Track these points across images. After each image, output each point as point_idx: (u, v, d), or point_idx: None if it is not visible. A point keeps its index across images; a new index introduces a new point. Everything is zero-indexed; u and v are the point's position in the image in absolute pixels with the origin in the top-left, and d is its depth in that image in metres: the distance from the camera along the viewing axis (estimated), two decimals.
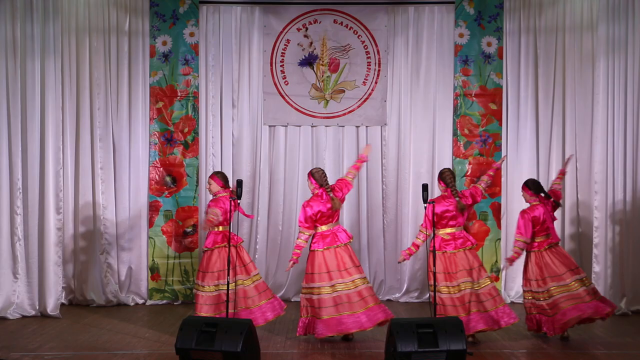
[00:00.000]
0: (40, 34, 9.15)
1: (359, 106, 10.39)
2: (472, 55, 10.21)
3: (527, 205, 8.30)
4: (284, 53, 10.37)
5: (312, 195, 8.15)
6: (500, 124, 10.24)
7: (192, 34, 10.20)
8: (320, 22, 10.39)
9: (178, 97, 10.21)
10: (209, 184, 8.28)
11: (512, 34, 10.26)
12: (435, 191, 10.20)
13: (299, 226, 8.07)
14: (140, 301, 10.17)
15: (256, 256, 10.34)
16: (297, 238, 8.08)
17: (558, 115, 10.26)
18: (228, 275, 7.68)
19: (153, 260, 10.15)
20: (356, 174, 8.53)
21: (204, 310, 7.96)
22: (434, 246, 7.77)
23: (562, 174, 8.77)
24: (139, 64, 10.18)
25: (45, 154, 9.22)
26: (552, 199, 8.27)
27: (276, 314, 8.12)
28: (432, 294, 7.60)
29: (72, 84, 9.97)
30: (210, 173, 10.21)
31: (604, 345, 7.92)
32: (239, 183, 7.81)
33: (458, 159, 10.23)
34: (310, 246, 8.05)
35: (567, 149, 10.22)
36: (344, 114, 10.40)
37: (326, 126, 10.41)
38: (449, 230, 7.94)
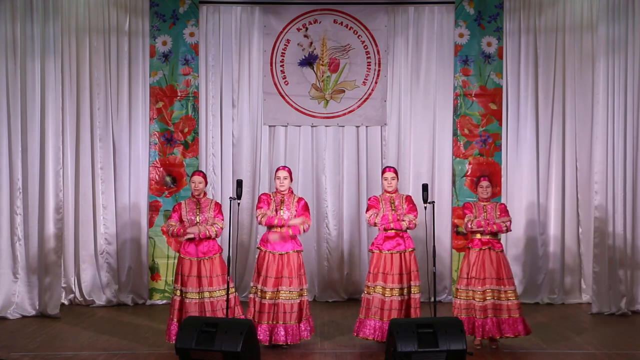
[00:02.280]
0: (40, 34, 9.15)
1: (359, 106, 10.39)
2: (472, 55, 10.21)
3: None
4: (284, 53, 10.37)
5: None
6: (500, 124, 10.24)
7: (192, 34, 10.20)
8: (320, 22, 10.38)
9: (178, 97, 10.21)
10: (202, 183, 7.88)
11: (512, 34, 10.26)
12: (436, 191, 10.25)
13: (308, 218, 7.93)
14: (140, 301, 10.16)
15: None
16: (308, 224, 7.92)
17: (558, 115, 10.25)
18: (228, 275, 7.68)
19: (153, 260, 10.15)
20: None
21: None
22: (433, 246, 7.75)
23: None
24: (139, 64, 10.18)
25: (45, 154, 9.23)
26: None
27: None
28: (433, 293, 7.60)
29: (72, 84, 9.97)
30: (210, 173, 10.24)
31: (604, 345, 7.92)
32: (239, 183, 7.78)
33: (458, 159, 10.23)
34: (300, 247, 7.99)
35: (567, 149, 10.23)
36: (344, 114, 10.40)
37: (326, 126, 10.41)
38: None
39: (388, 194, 7.98)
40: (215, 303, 7.63)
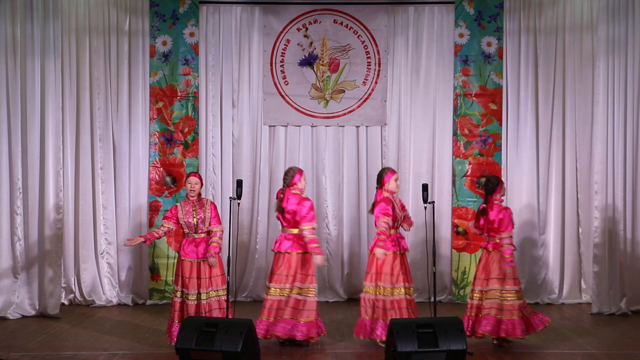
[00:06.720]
0: (40, 34, 9.15)
1: (359, 106, 10.39)
2: (472, 55, 10.21)
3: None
4: (284, 53, 10.37)
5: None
6: (500, 124, 10.24)
7: (192, 34, 10.20)
8: (320, 22, 10.39)
9: (178, 97, 10.21)
10: (198, 184, 7.82)
11: (512, 34, 10.26)
12: (436, 191, 10.26)
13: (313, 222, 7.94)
14: (140, 301, 10.16)
15: (256, 256, 10.35)
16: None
17: (558, 115, 10.26)
18: (228, 275, 7.69)
19: (153, 260, 10.15)
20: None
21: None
22: (433, 246, 7.75)
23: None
24: (139, 64, 10.19)
25: (45, 154, 9.23)
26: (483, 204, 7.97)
27: None
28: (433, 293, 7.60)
29: (72, 84, 9.97)
30: (210, 173, 10.24)
31: (604, 345, 7.92)
32: (239, 183, 7.79)
33: (458, 159, 10.23)
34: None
35: (567, 149, 10.22)
36: (344, 114, 10.40)
37: (326, 126, 10.41)
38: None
39: (393, 195, 7.99)
40: (212, 304, 7.62)
